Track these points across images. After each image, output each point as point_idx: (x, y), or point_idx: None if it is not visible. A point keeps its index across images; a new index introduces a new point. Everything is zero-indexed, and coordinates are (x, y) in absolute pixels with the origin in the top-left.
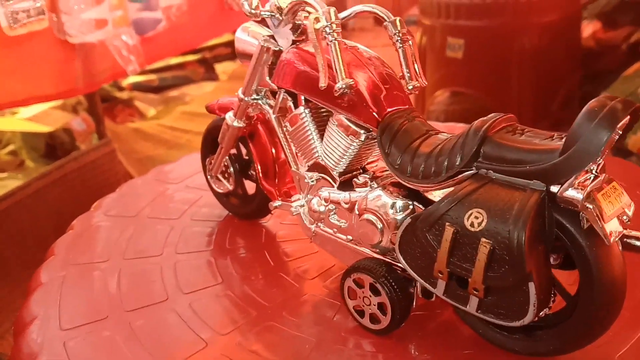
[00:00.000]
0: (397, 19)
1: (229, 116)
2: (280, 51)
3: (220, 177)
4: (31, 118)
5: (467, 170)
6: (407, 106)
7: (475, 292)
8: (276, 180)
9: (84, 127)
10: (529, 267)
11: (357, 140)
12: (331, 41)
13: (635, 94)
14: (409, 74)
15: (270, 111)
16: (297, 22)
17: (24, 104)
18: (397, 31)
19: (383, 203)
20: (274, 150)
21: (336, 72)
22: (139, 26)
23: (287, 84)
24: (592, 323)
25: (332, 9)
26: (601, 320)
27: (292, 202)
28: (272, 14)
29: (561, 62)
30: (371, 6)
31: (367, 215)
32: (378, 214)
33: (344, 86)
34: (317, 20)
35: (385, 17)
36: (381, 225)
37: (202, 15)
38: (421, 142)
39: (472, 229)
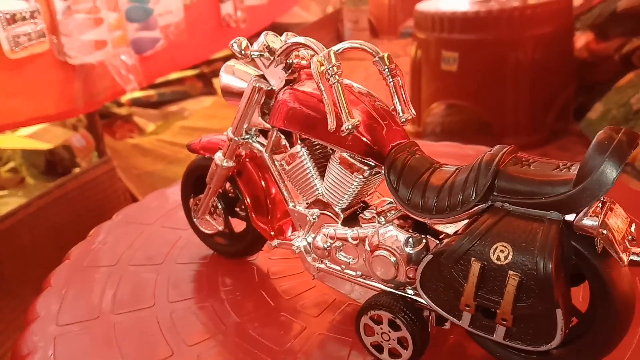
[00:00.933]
0: (386, 54)
1: (218, 156)
2: (272, 91)
3: (208, 218)
4: (31, 135)
5: (482, 204)
6: (407, 140)
7: (503, 322)
8: (269, 217)
9: (83, 143)
10: (557, 296)
11: (361, 177)
12: (334, 83)
13: (628, 104)
14: (400, 107)
15: (262, 150)
16: (289, 61)
17: (26, 125)
18: (386, 67)
19: (396, 239)
20: (264, 187)
21: (341, 113)
22: (137, 45)
23: (287, 124)
24: (611, 336)
25: (332, 51)
26: (618, 333)
27: (291, 240)
28: (262, 54)
29: (555, 73)
30: (359, 43)
31: (380, 252)
32: (391, 250)
33: (350, 127)
34: (320, 63)
35: (374, 53)
36: (395, 261)
37: (200, 33)
38: (429, 177)
39: (499, 263)
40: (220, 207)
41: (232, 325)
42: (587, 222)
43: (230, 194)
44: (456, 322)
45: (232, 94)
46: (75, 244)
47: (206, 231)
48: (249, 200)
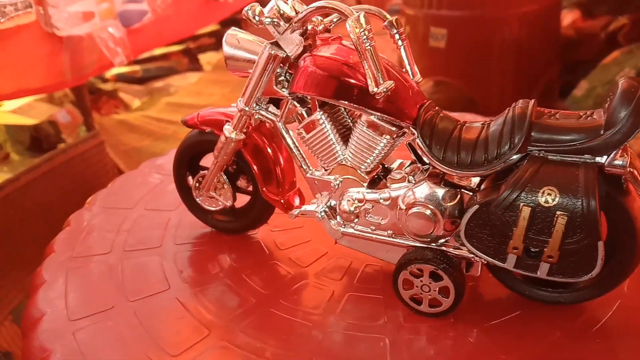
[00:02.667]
0: (394, 18)
1: (228, 129)
2: (286, 58)
3: (213, 194)
4: (15, 110)
5: (519, 154)
6: (429, 101)
7: (549, 259)
8: (279, 188)
9: (69, 119)
10: (601, 229)
11: (389, 139)
12: (369, 47)
13: (613, 82)
14: (411, 70)
15: (275, 119)
16: (308, 26)
17: (12, 98)
18: (396, 31)
19: (433, 194)
20: (273, 157)
21: (376, 76)
22: (125, 18)
23: (312, 90)
24: (632, 264)
25: (362, 14)
26: (637, 261)
27: (310, 207)
28: (276, 20)
29: (542, 51)
30: (369, 7)
31: (417, 209)
32: (429, 206)
33: (386, 89)
34: (355, 27)
35: (383, 18)
36: (433, 216)
37: (188, 7)
38: (459, 134)
39: (547, 205)
40: (227, 181)
41: (262, 297)
42: (618, 162)
43: (229, 169)
44: (501, 265)
45: (238, 64)
46: (64, 219)
47: (211, 208)
48: (257, 171)
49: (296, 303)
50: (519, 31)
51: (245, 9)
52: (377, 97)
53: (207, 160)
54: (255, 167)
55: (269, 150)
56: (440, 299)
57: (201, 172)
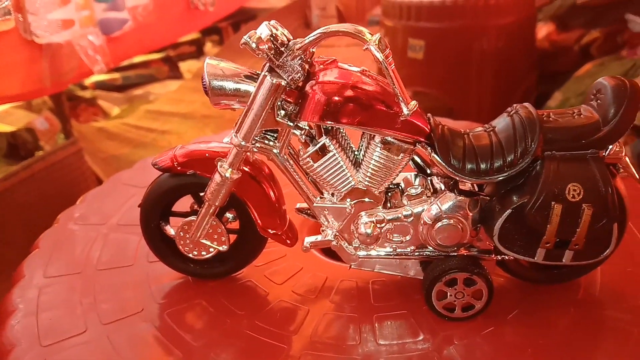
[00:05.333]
0: (379, 37)
1: (224, 168)
2: (283, 87)
3: (204, 240)
4: None
5: (536, 157)
6: (428, 114)
7: (576, 247)
8: (279, 221)
9: (47, 126)
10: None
11: (407, 157)
12: (393, 68)
13: (585, 93)
14: (403, 98)
15: (276, 151)
16: (312, 50)
17: None
18: (383, 54)
19: (459, 205)
20: (267, 191)
21: (406, 97)
22: (105, 26)
23: (326, 118)
24: (621, 235)
25: (380, 37)
26: (624, 230)
27: (324, 237)
28: (276, 48)
29: (518, 62)
30: (352, 27)
31: (444, 222)
32: (457, 217)
33: (412, 110)
34: (381, 48)
35: (365, 38)
36: (461, 226)
37: (169, 15)
38: (470, 143)
39: (574, 200)
40: (220, 224)
41: (237, 318)
42: (615, 152)
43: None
44: (530, 260)
45: (226, 98)
46: (43, 226)
47: (200, 257)
48: (253, 207)
49: (272, 324)
50: (496, 43)
51: (245, 38)
52: (402, 118)
53: (180, 205)
54: (250, 203)
55: (262, 183)
56: (474, 301)
57: (187, 218)
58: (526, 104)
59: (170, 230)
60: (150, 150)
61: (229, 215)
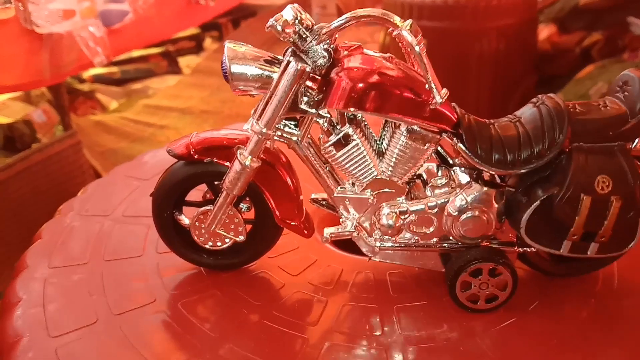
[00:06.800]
0: (411, 22)
1: (243, 155)
2: (308, 73)
3: (221, 231)
4: None
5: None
6: (452, 102)
7: (602, 239)
8: (297, 212)
9: (44, 119)
10: None
11: (433, 147)
12: (425, 55)
13: (586, 95)
14: (437, 89)
15: (296, 139)
16: (336, 36)
17: None
18: (417, 39)
19: (485, 197)
20: (286, 179)
21: (438, 85)
22: (106, 18)
23: (353, 104)
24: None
25: (411, 23)
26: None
27: (345, 228)
28: (303, 32)
29: (518, 64)
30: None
31: (470, 213)
32: (483, 208)
33: (444, 98)
34: (414, 33)
35: (396, 23)
36: (488, 217)
37: (169, 9)
38: (497, 134)
39: (603, 192)
40: (237, 214)
41: (254, 309)
42: None
43: (211, 197)
44: (556, 252)
45: (248, 83)
46: (40, 219)
47: (216, 247)
48: (271, 197)
49: (290, 314)
50: (497, 44)
51: (271, 21)
52: (432, 107)
53: (193, 195)
54: (268, 193)
55: (281, 172)
56: (499, 292)
57: (203, 208)
58: (552, 95)
59: (185, 220)
60: (147, 145)
61: (242, 205)
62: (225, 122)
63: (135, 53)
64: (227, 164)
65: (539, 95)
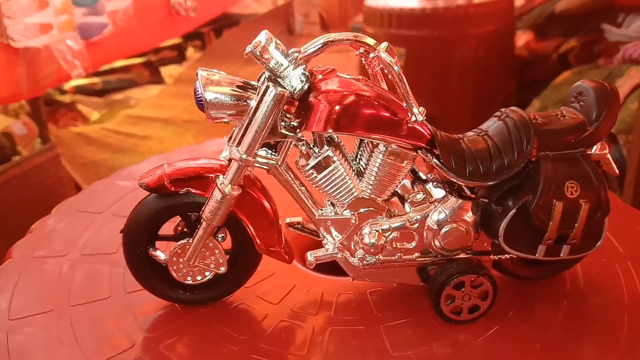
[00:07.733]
0: (387, 45)
1: (223, 184)
2: (287, 97)
3: (200, 263)
4: None
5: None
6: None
7: (573, 241)
8: (277, 237)
9: (25, 131)
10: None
11: (410, 163)
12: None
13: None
14: (415, 107)
15: (274, 163)
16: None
17: None
18: (393, 60)
19: (462, 209)
20: (265, 206)
21: (410, 103)
22: (84, 31)
23: (332, 127)
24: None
25: (387, 45)
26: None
27: (328, 251)
28: (284, 57)
29: (498, 70)
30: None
31: (450, 226)
32: (460, 220)
33: (423, 115)
34: (391, 55)
35: (372, 46)
36: (467, 229)
37: (149, 20)
38: (467, 148)
39: (572, 197)
40: (218, 244)
41: (240, 343)
42: (600, 150)
43: (184, 229)
44: (532, 257)
45: (223, 110)
46: (19, 233)
47: (196, 281)
48: (251, 224)
49: (278, 346)
50: (476, 51)
51: (249, 47)
52: (411, 125)
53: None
54: (248, 220)
55: (259, 198)
56: (480, 302)
57: (180, 242)
58: (515, 108)
59: (161, 256)
60: (129, 156)
61: (218, 236)
62: (208, 132)
63: (117, 63)
64: (203, 193)
65: (502, 109)
